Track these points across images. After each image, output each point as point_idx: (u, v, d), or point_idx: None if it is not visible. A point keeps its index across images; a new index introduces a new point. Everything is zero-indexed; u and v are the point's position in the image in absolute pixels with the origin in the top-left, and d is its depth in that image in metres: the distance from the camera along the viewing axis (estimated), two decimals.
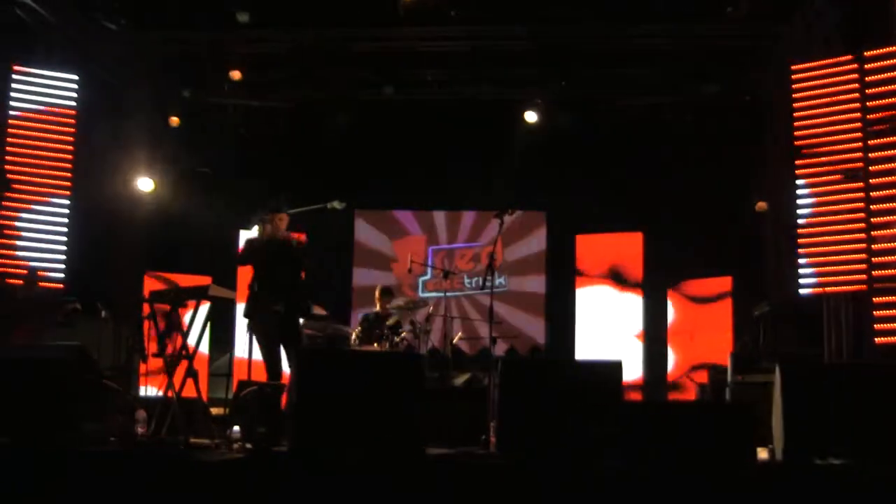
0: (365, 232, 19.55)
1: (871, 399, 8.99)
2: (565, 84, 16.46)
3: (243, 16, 14.94)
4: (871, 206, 12.60)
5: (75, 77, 14.43)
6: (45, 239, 13.93)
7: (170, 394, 10.27)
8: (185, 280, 15.04)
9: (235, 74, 16.25)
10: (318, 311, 13.52)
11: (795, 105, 13.59)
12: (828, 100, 13.25)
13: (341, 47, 16.37)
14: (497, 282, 18.42)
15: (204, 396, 11.07)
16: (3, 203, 13.78)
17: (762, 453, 9.39)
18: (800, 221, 13.32)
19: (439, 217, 19.66)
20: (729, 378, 12.39)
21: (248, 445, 9.70)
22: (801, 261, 13.19)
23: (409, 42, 16.06)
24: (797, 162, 13.45)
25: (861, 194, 12.70)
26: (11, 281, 13.60)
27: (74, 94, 14.37)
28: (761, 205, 15.93)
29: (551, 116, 17.02)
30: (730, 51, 15.81)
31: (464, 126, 17.69)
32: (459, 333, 15.71)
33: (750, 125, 16.20)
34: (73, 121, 14.29)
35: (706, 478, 7.77)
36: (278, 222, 11.49)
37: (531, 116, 16.91)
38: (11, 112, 14.08)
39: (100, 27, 15.35)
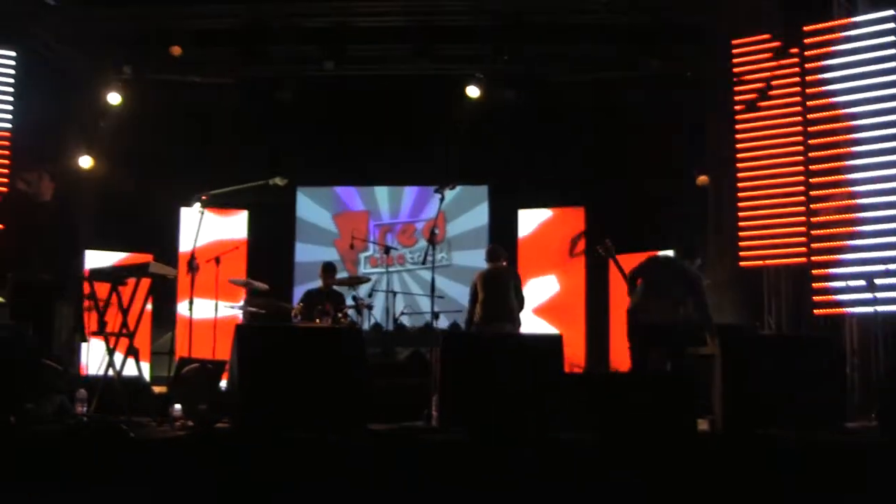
0: (306, 208, 19.42)
1: (810, 369, 9.12)
2: (507, 59, 16.42)
3: None
4: (811, 180, 12.74)
5: (13, 53, 14.30)
6: None
7: (111, 372, 10.20)
8: (127, 258, 14.96)
9: (176, 50, 16.12)
10: (259, 287, 13.51)
11: (736, 80, 13.69)
12: (768, 74, 13.36)
13: (283, 22, 16.30)
14: (439, 256, 18.42)
15: (146, 374, 11.03)
16: None
17: (703, 424, 9.45)
18: (740, 195, 13.44)
19: (380, 192, 19.54)
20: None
21: (190, 423, 9.66)
22: (741, 234, 13.32)
23: (350, 17, 16.02)
24: (737, 136, 13.56)
25: (801, 168, 12.84)
26: None
27: (12, 71, 14.24)
28: (702, 179, 15.97)
29: (494, 91, 16.99)
30: (672, 26, 15.80)
31: (405, 101, 17.64)
32: (402, 308, 15.72)
33: (692, 100, 16.21)
34: (9, 98, 14.17)
35: (647, 448, 7.81)
36: None
37: (473, 91, 16.87)
38: None
39: (39, 2, 15.19)
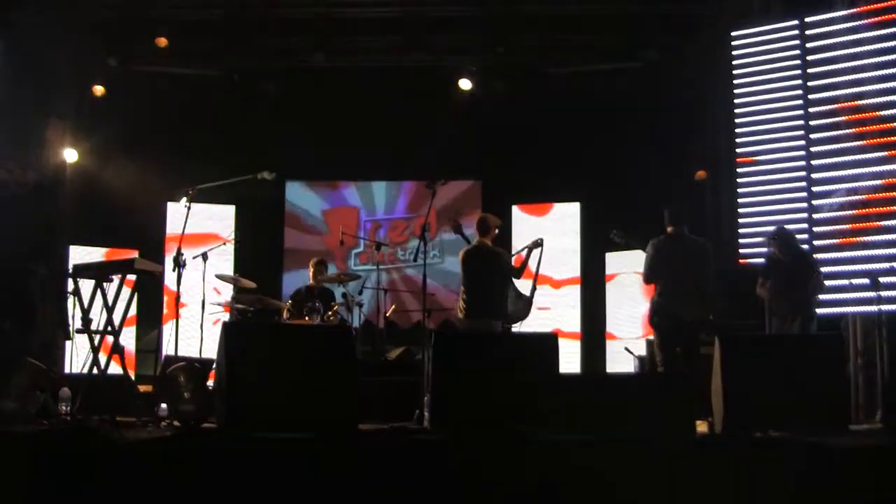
0: (295, 203, 19.19)
1: (812, 370, 8.92)
2: (501, 51, 16.26)
3: None
4: (812, 175, 12.53)
5: None
6: None
7: (95, 371, 10.00)
8: (112, 254, 14.74)
9: (161, 41, 15.93)
10: (247, 284, 13.31)
11: (735, 72, 13.51)
12: (768, 66, 13.17)
13: (271, 13, 16.08)
14: (431, 254, 18.20)
15: (131, 373, 10.84)
16: None
17: (702, 426, 9.27)
18: (740, 190, 13.25)
19: (371, 188, 19.37)
20: None
21: (176, 423, 9.48)
22: (740, 230, 13.14)
23: (341, 8, 15.83)
24: (737, 130, 13.38)
25: (803, 163, 12.65)
26: None
27: None
28: (701, 174, 15.83)
29: (487, 84, 16.82)
30: (669, 17, 15.68)
31: (397, 94, 17.44)
32: (393, 306, 15.51)
33: (689, 92, 16.04)
34: None
35: (645, 450, 7.59)
36: None
37: (466, 84, 16.69)
38: None
39: None
